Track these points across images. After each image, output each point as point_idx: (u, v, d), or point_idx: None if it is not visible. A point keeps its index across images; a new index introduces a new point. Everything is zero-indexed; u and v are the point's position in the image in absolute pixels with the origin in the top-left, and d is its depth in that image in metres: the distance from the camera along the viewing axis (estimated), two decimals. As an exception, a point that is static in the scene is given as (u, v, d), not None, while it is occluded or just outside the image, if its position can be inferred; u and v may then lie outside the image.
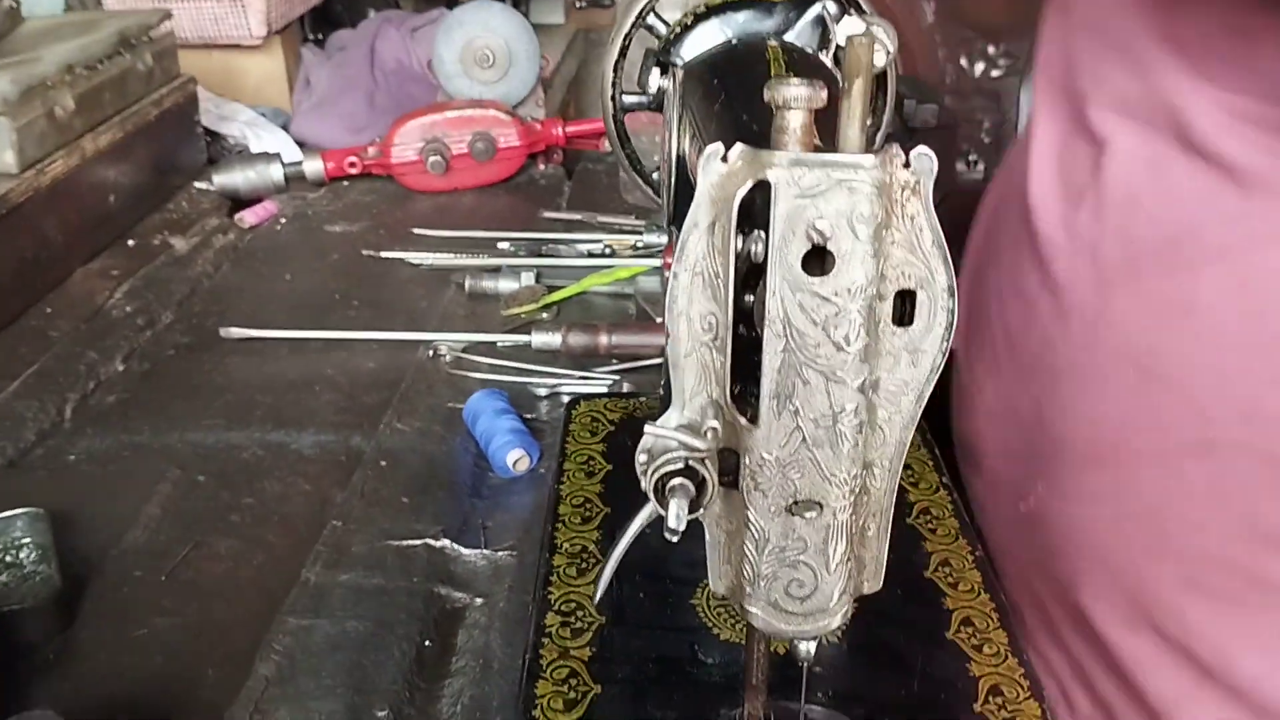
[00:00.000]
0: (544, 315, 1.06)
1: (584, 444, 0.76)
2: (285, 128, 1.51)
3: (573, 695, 0.55)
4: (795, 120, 0.39)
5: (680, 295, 0.42)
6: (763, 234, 0.39)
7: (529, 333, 0.97)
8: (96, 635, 0.68)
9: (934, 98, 1.08)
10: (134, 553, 0.75)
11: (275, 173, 1.31)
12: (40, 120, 1.06)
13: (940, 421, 0.79)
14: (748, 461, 0.43)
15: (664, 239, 1.15)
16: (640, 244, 1.17)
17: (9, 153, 1.02)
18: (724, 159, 0.40)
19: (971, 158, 1.16)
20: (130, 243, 1.19)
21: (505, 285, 1.10)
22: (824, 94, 0.39)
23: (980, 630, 0.59)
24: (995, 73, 2.70)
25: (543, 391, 0.94)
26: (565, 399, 0.91)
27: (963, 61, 2.67)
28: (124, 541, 0.76)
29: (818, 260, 0.39)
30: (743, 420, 0.42)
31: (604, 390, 0.91)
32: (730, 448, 0.43)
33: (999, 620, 0.59)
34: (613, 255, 1.16)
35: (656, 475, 0.42)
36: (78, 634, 0.68)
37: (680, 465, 0.42)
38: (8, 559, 0.71)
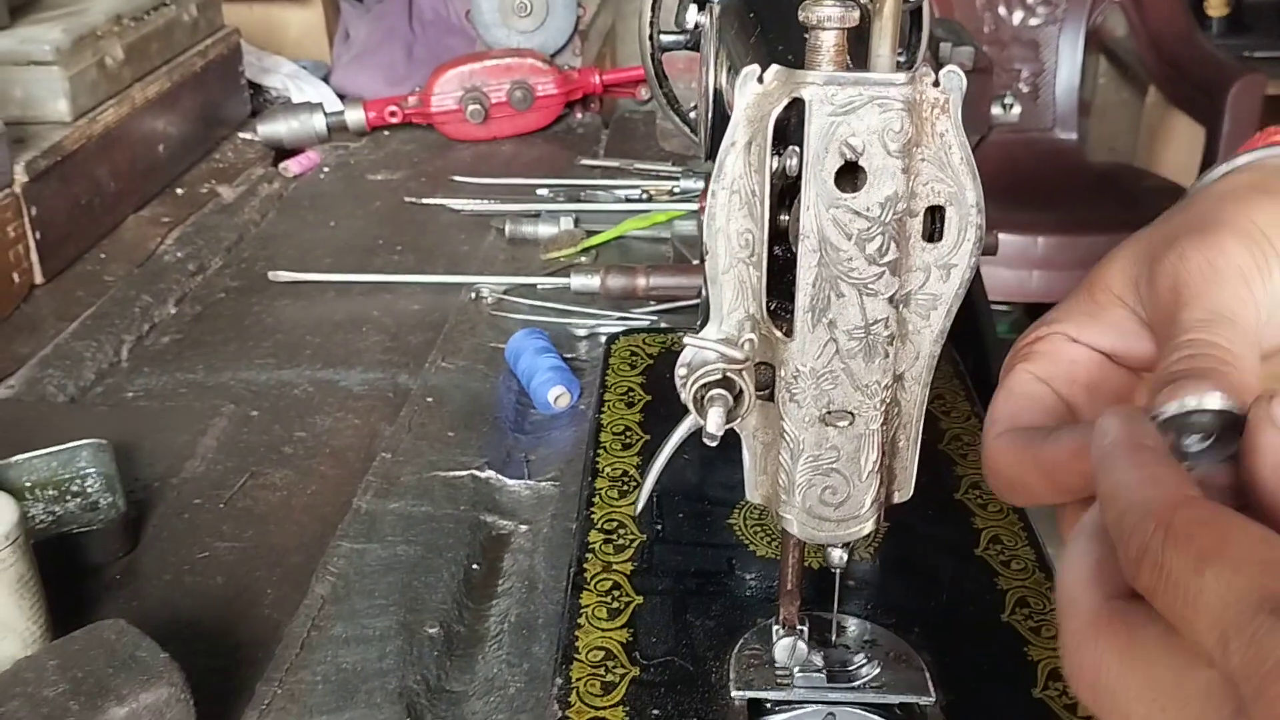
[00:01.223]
0: (582, 259, 1.08)
1: (624, 376, 0.78)
2: (326, 80, 1.53)
3: (616, 605, 0.57)
4: (828, 40, 0.40)
5: (719, 213, 0.43)
6: (797, 149, 0.41)
7: (568, 275, 0.99)
8: (160, 557, 0.71)
9: (970, 41, 1.08)
10: (193, 482, 0.78)
11: (318, 122, 1.33)
12: (91, 70, 1.08)
13: (974, 354, 0.81)
14: (783, 374, 0.44)
15: (699, 184, 1.17)
16: (676, 189, 1.18)
17: (62, 101, 1.05)
18: (760, 79, 0.42)
19: (1007, 101, 1.16)
20: (179, 191, 1.22)
21: (544, 230, 1.12)
22: (855, 14, 0.40)
23: (1009, 547, 0.61)
24: (1034, 21, 2.68)
25: (582, 332, 0.96)
26: (603, 339, 0.93)
27: (1001, 10, 2.65)
28: (183, 472, 0.79)
29: (850, 176, 0.41)
30: (778, 334, 0.44)
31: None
32: (766, 361, 0.45)
33: (1026, 538, 0.61)
34: (649, 200, 1.17)
35: (696, 386, 0.44)
36: (141, 556, 0.71)
37: (718, 376, 0.44)
38: (74, 487, 0.74)
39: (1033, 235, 2.11)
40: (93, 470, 0.75)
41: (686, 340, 0.44)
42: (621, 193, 1.19)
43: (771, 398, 0.45)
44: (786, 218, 0.44)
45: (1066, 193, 2.31)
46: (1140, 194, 2.33)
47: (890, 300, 0.43)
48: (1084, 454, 0.35)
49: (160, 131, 1.20)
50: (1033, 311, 3.00)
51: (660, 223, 1.11)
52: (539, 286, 1.02)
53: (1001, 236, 1.15)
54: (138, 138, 1.16)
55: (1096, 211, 2.24)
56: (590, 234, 1.11)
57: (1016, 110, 1.28)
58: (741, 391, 0.45)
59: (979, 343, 1.03)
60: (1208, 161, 2.26)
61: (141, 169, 1.17)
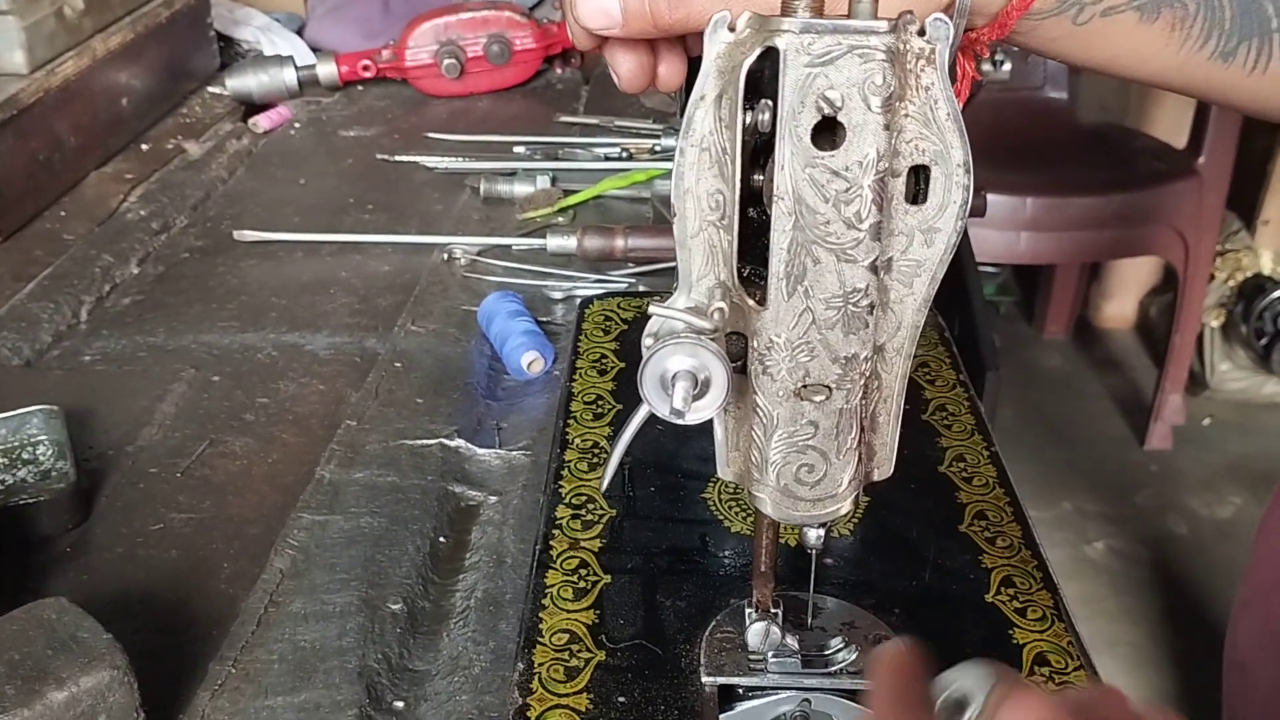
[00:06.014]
0: (559, 219, 1.05)
1: (597, 342, 0.76)
2: (299, 33, 1.49)
3: (583, 585, 0.55)
4: (806, -16, 0.37)
5: (687, 172, 0.40)
6: (770, 103, 0.38)
7: (544, 236, 0.96)
8: (112, 529, 0.68)
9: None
10: (149, 450, 0.75)
11: (289, 76, 1.29)
12: (49, 19, 1.04)
13: (961, 319, 0.78)
14: (755, 344, 0.42)
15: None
16: (657, 147, 1.15)
17: (18, 52, 1.01)
18: (731, 27, 0.39)
19: (998, 57, 1.13)
20: (143, 147, 1.18)
21: (520, 189, 1.08)
22: (836, -44, 0.37)
23: (994, 523, 0.58)
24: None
25: (558, 295, 0.93)
26: (579, 302, 0.90)
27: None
28: (140, 439, 0.76)
29: (828, 133, 0.38)
30: (751, 302, 0.41)
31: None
32: (738, 331, 0.42)
33: (1012, 514, 0.59)
34: (629, 159, 1.14)
35: (662, 358, 0.42)
36: (93, 528, 0.68)
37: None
38: (24, 455, 0.71)
39: (1021, 196, 2.07)
40: (44, 437, 0.72)
41: (652, 309, 0.41)
42: (601, 151, 1.16)
43: (744, 370, 0.43)
44: (760, 177, 0.41)
45: (1056, 153, 2.28)
46: (1131, 154, 2.29)
47: (870, 267, 0.40)
48: None
49: (123, 85, 1.16)
50: (1020, 273, 2.96)
51: (639, 182, 1.08)
52: (514, 248, 0.99)
53: (990, 197, 1.12)
54: (99, 91, 1.12)
55: (1087, 172, 2.20)
56: (568, 193, 1.07)
57: (1007, 67, 1.25)
58: (711, 363, 0.42)
59: (965, 307, 1.01)
60: (1199, 121, 2.23)
61: (103, 123, 1.13)
